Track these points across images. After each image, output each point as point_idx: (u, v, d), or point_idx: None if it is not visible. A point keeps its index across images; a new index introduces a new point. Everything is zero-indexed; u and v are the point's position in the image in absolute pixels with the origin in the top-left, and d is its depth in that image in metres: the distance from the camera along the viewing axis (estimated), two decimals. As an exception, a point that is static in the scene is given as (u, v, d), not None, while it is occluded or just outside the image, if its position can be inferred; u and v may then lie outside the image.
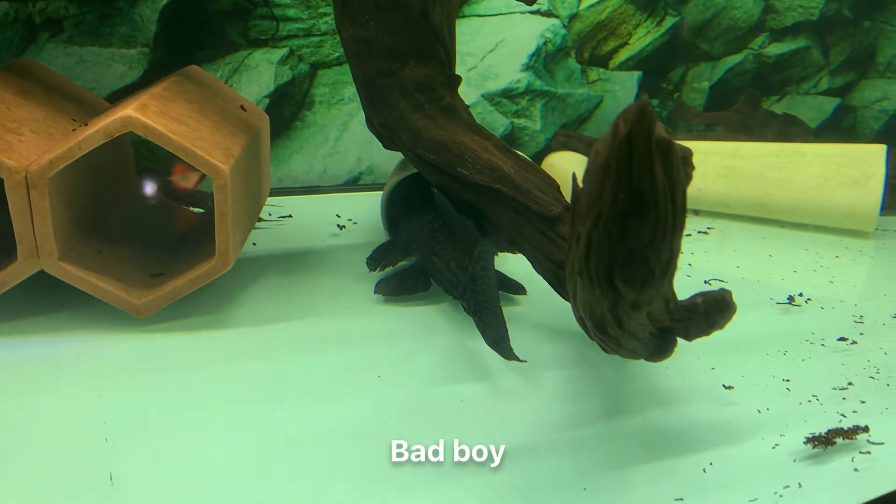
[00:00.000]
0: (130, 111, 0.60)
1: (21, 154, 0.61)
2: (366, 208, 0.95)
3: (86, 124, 0.69)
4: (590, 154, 0.43)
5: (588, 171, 0.41)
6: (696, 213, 0.95)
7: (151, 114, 0.62)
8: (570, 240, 0.46)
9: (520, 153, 0.68)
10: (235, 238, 0.66)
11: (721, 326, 0.50)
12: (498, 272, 0.71)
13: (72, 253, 0.64)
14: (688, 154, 0.40)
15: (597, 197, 0.40)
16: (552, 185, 0.66)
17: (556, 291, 0.63)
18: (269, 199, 0.87)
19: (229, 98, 0.80)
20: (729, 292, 0.49)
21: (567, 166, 0.99)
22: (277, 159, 1.04)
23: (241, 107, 0.80)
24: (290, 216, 0.93)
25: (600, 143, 0.41)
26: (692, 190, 0.94)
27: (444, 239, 0.69)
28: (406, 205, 0.77)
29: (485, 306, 0.59)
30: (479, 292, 0.61)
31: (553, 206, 0.63)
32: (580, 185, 0.44)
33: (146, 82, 0.97)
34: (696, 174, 0.95)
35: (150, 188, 0.85)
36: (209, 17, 0.97)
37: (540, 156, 1.08)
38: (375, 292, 0.69)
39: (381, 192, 0.81)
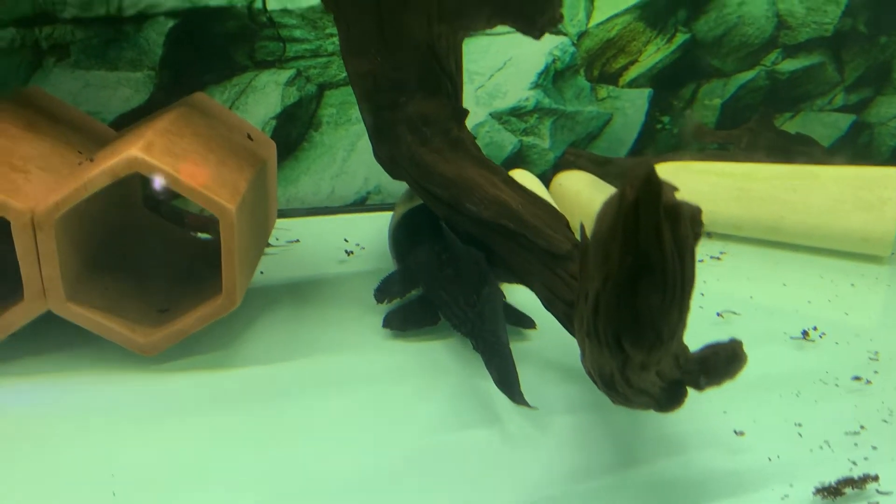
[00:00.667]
0: (136, 151, 0.60)
1: (27, 194, 0.61)
2: (373, 231, 0.94)
3: (92, 159, 0.68)
4: (597, 213, 0.42)
5: (595, 233, 0.41)
6: (710, 235, 0.94)
7: (157, 153, 0.61)
8: (578, 293, 0.46)
9: (527, 188, 0.67)
10: (242, 275, 0.66)
11: (732, 377, 0.49)
12: (506, 304, 0.70)
13: (79, 291, 0.64)
14: (696, 213, 0.40)
15: (604, 260, 0.39)
16: (560, 221, 0.65)
17: (566, 329, 0.62)
18: (277, 220, 0.86)
19: (236, 127, 0.80)
20: (740, 343, 0.48)
21: (576, 186, 0.98)
22: (285, 180, 1.04)
23: (248, 135, 0.80)
24: (297, 241, 0.93)
25: (607, 205, 0.40)
26: (705, 212, 0.93)
27: (451, 273, 0.69)
28: (414, 232, 0.77)
29: (493, 347, 0.59)
30: (487, 332, 0.61)
31: (562, 243, 0.62)
32: (588, 235, 0.43)
33: (152, 105, 0.97)
34: (708, 196, 0.94)
35: (155, 216, 0.85)
36: (215, 40, 0.97)
37: (549, 174, 1.07)
38: (384, 326, 0.69)
39: (389, 214, 0.80)
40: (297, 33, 0.99)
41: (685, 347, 0.48)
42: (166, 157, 0.62)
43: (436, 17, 0.64)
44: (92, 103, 0.96)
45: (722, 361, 0.48)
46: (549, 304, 0.63)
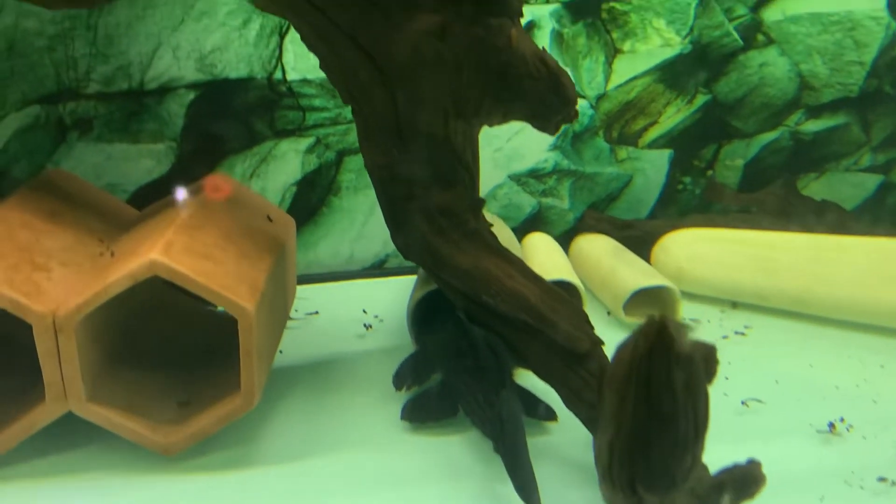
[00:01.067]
0: (156, 255, 0.60)
1: (49, 296, 0.62)
2: (392, 300, 0.94)
3: (113, 253, 0.69)
4: (613, 358, 0.42)
5: (609, 379, 0.40)
6: (734, 305, 0.93)
7: (176, 253, 0.62)
8: (598, 432, 0.45)
9: (545, 280, 0.66)
10: (261, 371, 0.66)
11: (751, 499, 0.48)
12: (526, 391, 0.70)
13: (99, 389, 0.64)
14: (711, 353, 0.39)
15: (618, 408, 0.39)
16: (580, 316, 0.64)
17: (587, 429, 0.61)
18: (297, 287, 0.86)
19: (255, 208, 0.80)
20: (758, 465, 0.48)
21: (596, 252, 0.97)
22: (305, 245, 1.04)
23: (268, 217, 0.80)
24: (316, 312, 0.93)
25: (622, 350, 0.40)
26: (730, 281, 0.92)
27: (470, 364, 0.68)
28: (432, 315, 0.77)
29: (512, 455, 0.58)
30: (506, 434, 0.60)
31: (582, 341, 0.62)
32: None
33: (173, 176, 0.98)
34: (732, 265, 0.92)
35: (175, 293, 0.85)
36: (236, 110, 0.98)
37: (568, 235, 1.07)
38: (402, 418, 0.68)
39: (407, 280, 0.80)
40: (317, 102, 0.99)
41: (703, 472, 0.47)
42: (186, 257, 0.62)
43: (452, 114, 0.64)
44: (114, 175, 0.97)
45: (740, 485, 0.47)
46: (569, 404, 0.62)
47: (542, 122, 0.65)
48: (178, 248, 0.63)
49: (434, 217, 0.67)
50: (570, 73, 1.02)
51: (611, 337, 0.86)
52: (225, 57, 0.96)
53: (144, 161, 0.98)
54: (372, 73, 0.63)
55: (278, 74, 0.98)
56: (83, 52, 0.92)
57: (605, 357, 0.62)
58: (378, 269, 1.07)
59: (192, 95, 0.96)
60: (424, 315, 0.78)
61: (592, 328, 0.64)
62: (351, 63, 0.64)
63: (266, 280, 0.68)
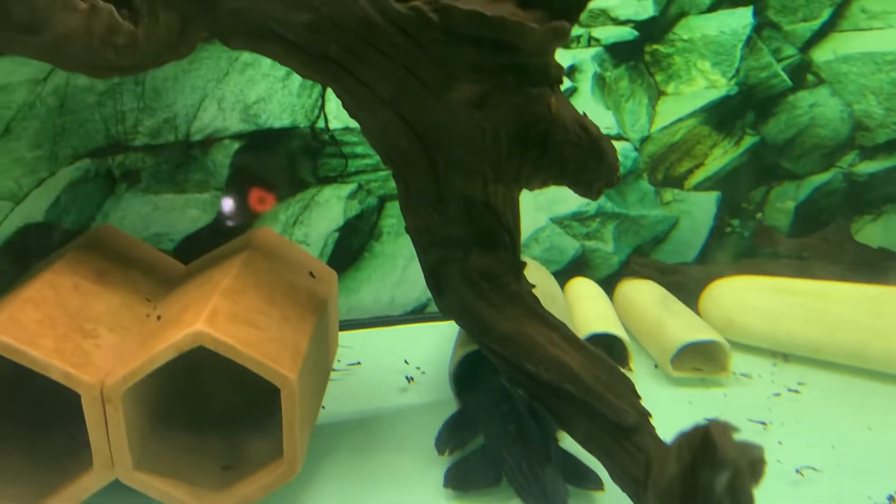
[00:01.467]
0: (201, 325, 0.61)
1: (97, 365, 0.63)
2: (433, 349, 0.94)
3: (159, 317, 0.70)
4: (656, 467, 0.40)
5: (654, 487, 0.39)
6: (787, 358, 0.90)
7: (221, 323, 0.62)
8: None
9: (589, 346, 0.65)
10: (303, 437, 0.66)
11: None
12: (571, 458, 0.68)
13: (145, 456, 0.65)
14: (758, 457, 0.37)
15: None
16: (626, 385, 0.63)
17: (633, 504, 0.59)
18: (340, 332, 0.86)
19: (298, 265, 0.81)
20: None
21: (642, 300, 0.95)
22: (347, 290, 1.05)
23: (311, 273, 0.81)
24: (358, 363, 0.93)
25: (668, 462, 0.39)
26: (782, 333, 0.89)
27: (514, 430, 0.67)
28: (474, 375, 0.76)
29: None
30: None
31: (628, 414, 0.60)
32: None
33: (219, 224, 0.99)
34: (784, 316, 0.89)
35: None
36: (280, 159, 0.99)
37: (613, 279, 1.05)
38: (445, 486, 0.68)
39: (448, 327, 0.79)
40: (359, 150, 1.00)
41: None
42: (230, 325, 0.63)
43: (491, 180, 0.64)
44: (161, 225, 0.99)
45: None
46: (615, 478, 0.61)
47: (584, 188, 0.64)
48: (222, 316, 0.63)
49: (475, 280, 0.67)
50: (612, 115, 1.01)
51: (658, 392, 0.86)
52: (269, 107, 0.97)
53: (190, 210, 0.99)
54: (412, 141, 0.63)
55: (321, 123, 0.99)
56: (131, 106, 0.94)
57: (653, 430, 0.60)
58: (419, 313, 1.07)
59: (236, 145, 0.98)
60: (466, 371, 0.77)
61: (639, 398, 0.62)
62: (391, 131, 0.64)
63: (309, 343, 0.68)
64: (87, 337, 0.65)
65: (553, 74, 0.62)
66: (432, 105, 0.61)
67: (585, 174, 0.63)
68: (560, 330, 0.66)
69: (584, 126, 0.62)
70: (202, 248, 0.99)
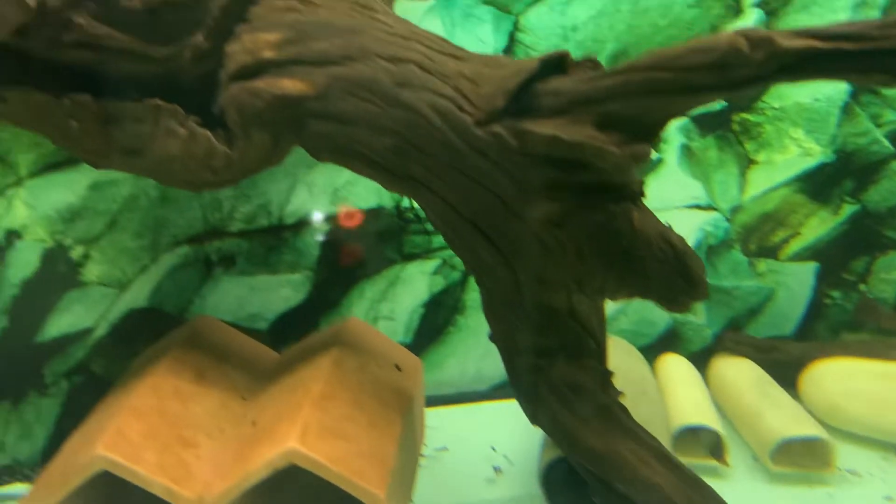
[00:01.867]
0: (293, 443, 0.63)
1: (196, 478, 0.66)
2: (520, 436, 0.93)
3: (254, 422, 0.73)
4: None
5: None
6: (896, 449, 0.84)
7: (313, 438, 0.64)
8: None
9: (680, 463, 0.63)
10: (392, 547, 0.66)
11: None
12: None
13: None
14: None
15: None
16: (721, 507, 0.61)
17: None
18: (425, 410, 0.87)
19: (384, 359, 0.82)
20: None
21: (737, 383, 0.92)
22: (431, 364, 1.06)
23: (396, 366, 0.82)
24: (445, 448, 0.93)
25: None
26: (886, 422, 0.84)
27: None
28: (565, 481, 0.75)
29: None
30: None
31: (723, 542, 0.58)
32: None
33: (310, 302, 1.02)
34: (891, 404, 0.84)
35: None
36: (366, 238, 1.01)
37: (705, 353, 1.02)
38: None
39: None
40: (442, 228, 1.01)
41: None
42: (320, 440, 0.64)
43: (575, 290, 0.63)
44: (255, 305, 1.03)
45: None
46: None
47: (671, 302, 0.63)
48: (313, 431, 0.65)
49: (562, 391, 0.66)
50: (700, 185, 0.98)
51: (757, 488, 0.82)
52: (356, 190, 1.00)
53: (283, 290, 1.03)
54: (494, 255, 0.64)
55: (405, 202, 1.01)
56: (227, 194, 0.99)
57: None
58: (504, 388, 1.07)
59: (326, 227, 1.01)
60: (558, 476, 0.76)
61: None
62: (472, 244, 0.64)
63: (396, 450, 0.69)
64: (188, 447, 0.68)
65: (634, 188, 0.61)
66: (513, 222, 0.61)
67: (671, 289, 0.62)
68: (651, 447, 0.64)
69: (668, 240, 0.61)
70: (295, 325, 1.02)
